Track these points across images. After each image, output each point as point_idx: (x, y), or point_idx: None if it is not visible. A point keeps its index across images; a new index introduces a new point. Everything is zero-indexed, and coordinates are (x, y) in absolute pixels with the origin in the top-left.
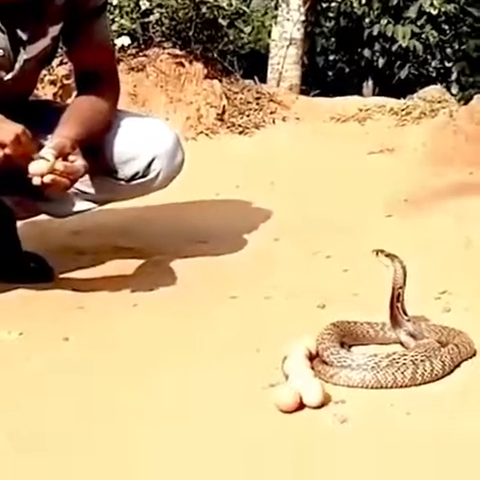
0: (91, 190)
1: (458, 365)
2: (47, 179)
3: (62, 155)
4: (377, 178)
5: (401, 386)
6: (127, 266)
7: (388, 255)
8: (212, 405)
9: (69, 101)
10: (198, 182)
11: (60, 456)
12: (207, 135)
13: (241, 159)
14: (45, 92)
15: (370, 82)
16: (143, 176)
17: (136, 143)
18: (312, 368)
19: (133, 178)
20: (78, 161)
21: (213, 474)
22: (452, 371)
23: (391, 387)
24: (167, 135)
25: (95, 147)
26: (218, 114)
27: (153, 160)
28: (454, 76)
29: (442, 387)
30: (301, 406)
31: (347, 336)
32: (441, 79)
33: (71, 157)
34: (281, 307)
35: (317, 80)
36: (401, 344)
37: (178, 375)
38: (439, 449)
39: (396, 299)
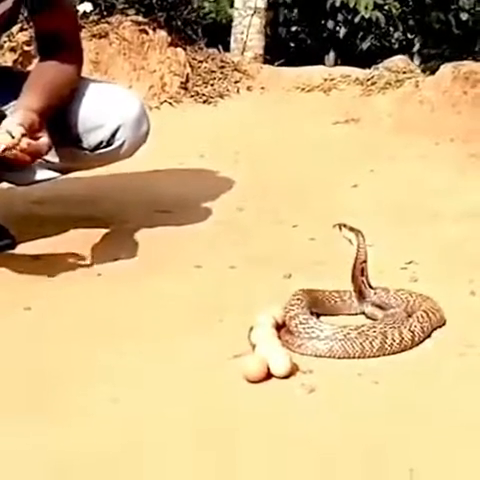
0: (55, 159)
1: (428, 335)
2: (9, 154)
3: (30, 133)
4: (342, 148)
5: (369, 356)
6: (90, 236)
7: (352, 229)
8: (176, 375)
9: (30, 68)
10: (162, 151)
11: (13, 422)
12: (171, 104)
13: (205, 128)
14: (5, 59)
15: (332, 53)
16: (108, 145)
17: (101, 111)
18: (279, 338)
19: (98, 147)
20: (43, 138)
21: (179, 447)
22: (422, 341)
23: (359, 357)
24: (133, 103)
25: (58, 115)
26: (182, 83)
27: (118, 129)
28: (416, 48)
29: (411, 356)
30: (268, 376)
31: (316, 305)
32: (403, 51)
33: (37, 134)
34: (247, 276)
35: (279, 51)
36: (368, 317)
37: (140, 346)
38: (407, 418)
39: (360, 273)
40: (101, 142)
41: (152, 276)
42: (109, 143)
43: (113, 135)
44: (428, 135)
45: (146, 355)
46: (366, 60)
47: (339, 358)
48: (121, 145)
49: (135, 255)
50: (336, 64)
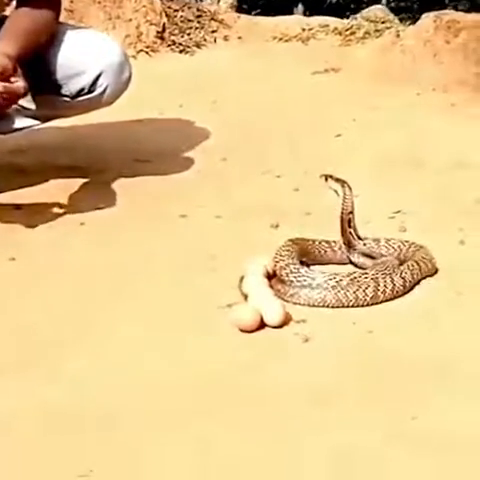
0: (33, 106)
1: (418, 282)
2: None
3: (3, 76)
4: (323, 98)
5: (362, 305)
6: (72, 185)
7: (338, 180)
8: (167, 326)
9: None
10: (140, 101)
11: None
12: (147, 53)
13: (183, 78)
14: None
15: (300, 6)
16: (89, 92)
17: (82, 57)
18: (271, 287)
19: (79, 94)
20: (19, 82)
21: (170, 397)
22: (412, 288)
23: (352, 306)
24: (114, 49)
25: (38, 62)
26: (158, 32)
27: (100, 75)
28: (384, 1)
29: (404, 306)
30: (261, 325)
31: (306, 254)
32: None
33: (12, 78)
34: (233, 226)
35: (252, 2)
36: (358, 267)
37: (127, 299)
38: (400, 367)
39: (347, 224)
40: (82, 89)
41: (136, 226)
42: (90, 90)
43: (94, 81)
44: (410, 85)
45: (134, 307)
46: (334, 14)
47: (333, 307)
48: (103, 92)
49: (118, 204)
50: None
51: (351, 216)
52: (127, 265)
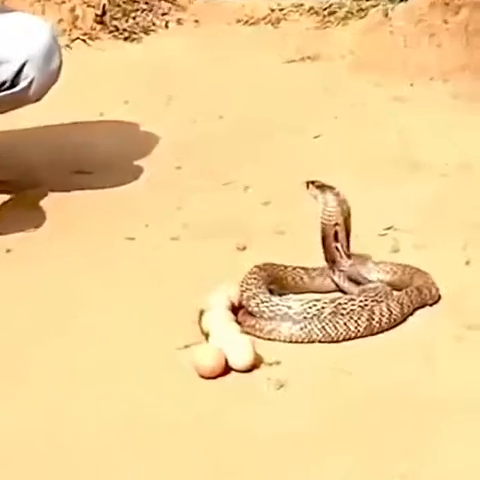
0: None
1: (413, 312)
2: None
3: None
4: (298, 92)
5: (355, 337)
6: None
7: (320, 186)
8: (114, 370)
9: None
10: (77, 100)
11: None
12: (85, 42)
13: (129, 70)
14: None
15: None
16: (12, 86)
17: (1, 44)
18: (238, 322)
19: None
20: None
21: (114, 450)
22: (406, 319)
23: (343, 339)
24: (41, 32)
25: None
26: (97, 16)
27: (24, 65)
28: None
29: (397, 341)
30: (226, 370)
31: (276, 282)
32: None
33: None
34: (192, 250)
35: None
36: (342, 291)
37: (62, 341)
38: (392, 416)
39: (333, 238)
40: (4, 82)
41: (73, 252)
42: (14, 83)
43: (18, 73)
44: (401, 74)
45: (68, 349)
46: None
47: (320, 342)
48: (29, 85)
49: (51, 225)
50: None
51: (338, 228)
52: (62, 300)
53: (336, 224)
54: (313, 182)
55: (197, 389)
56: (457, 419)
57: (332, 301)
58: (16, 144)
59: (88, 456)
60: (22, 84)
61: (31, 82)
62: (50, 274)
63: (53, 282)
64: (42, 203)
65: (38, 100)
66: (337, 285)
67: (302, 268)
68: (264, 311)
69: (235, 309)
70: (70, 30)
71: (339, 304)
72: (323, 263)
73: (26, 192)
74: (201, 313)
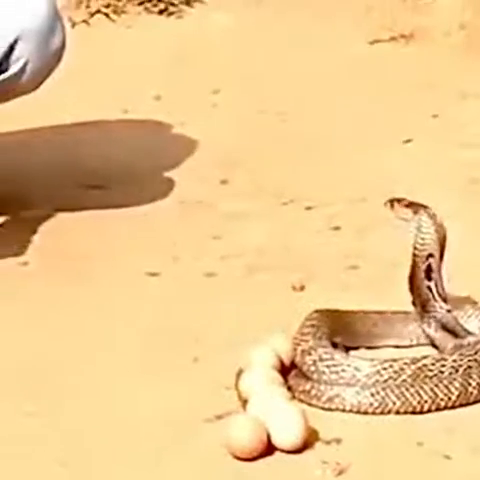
0: None
1: None
2: None
3: None
4: (384, 82)
5: (444, 408)
6: None
7: (410, 205)
8: (132, 448)
9: None
10: (94, 91)
11: None
12: (107, 16)
13: (163, 54)
14: None
15: None
16: (1, 71)
17: None
18: (287, 386)
19: None
20: None
21: None
22: None
23: (428, 410)
24: (37, 1)
25: None
26: None
27: (16, 43)
28: None
29: None
30: (269, 448)
31: (342, 332)
32: None
33: None
34: (231, 289)
35: None
36: (433, 345)
37: (78, 401)
38: None
39: (425, 274)
40: None
41: (80, 291)
42: (2, 68)
43: (8, 54)
44: None
45: (87, 413)
46: None
47: (396, 413)
48: (21, 70)
49: (54, 254)
50: None
51: (432, 261)
52: (67, 348)
53: (430, 255)
54: (399, 200)
55: (230, 473)
56: None
57: (414, 361)
58: (9, 150)
59: None
60: (13, 68)
61: (24, 66)
62: (48, 321)
63: (50, 332)
64: (42, 227)
65: (35, 89)
66: (427, 336)
67: (377, 312)
68: (323, 372)
69: (284, 369)
70: (88, 1)
71: (424, 366)
72: (403, 306)
73: (21, 213)
74: (239, 373)
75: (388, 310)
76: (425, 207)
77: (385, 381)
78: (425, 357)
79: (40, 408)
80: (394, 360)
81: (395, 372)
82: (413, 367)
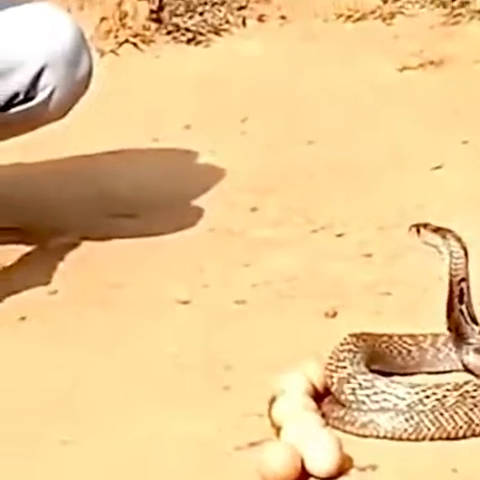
0: None
1: None
2: None
3: None
4: (415, 109)
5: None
6: (10, 256)
7: (437, 230)
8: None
9: None
10: (124, 120)
11: None
12: (135, 45)
13: (192, 83)
14: None
15: None
16: (27, 99)
17: (13, 44)
18: (321, 413)
19: (11, 103)
20: None
21: None
22: None
23: (463, 436)
24: (64, 29)
25: None
26: (153, 12)
27: (42, 71)
28: None
29: None
30: (303, 476)
31: (377, 358)
32: None
33: None
34: (263, 317)
35: None
36: (467, 370)
37: (104, 428)
38: None
39: (458, 298)
40: (16, 94)
41: (109, 318)
42: (29, 95)
43: (35, 82)
44: None
45: (116, 440)
46: None
47: (432, 440)
48: (48, 97)
49: (81, 285)
50: None
51: (464, 285)
52: (96, 376)
53: (463, 280)
54: (425, 225)
55: None
56: None
57: (457, 387)
58: (37, 179)
59: None
60: (40, 96)
61: (51, 93)
62: (78, 349)
63: (80, 360)
64: (70, 256)
65: (62, 117)
66: (464, 365)
67: (411, 336)
68: (364, 402)
69: (318, 395)
70: (117, 31)
71: (466, 392)
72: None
73: (50, 242)
74: (272, 400)
75: (421, 335)
76: (451, 231)
77: (429, 409)
78: (467, 382)
79: (71, 435)
80: (437, 386)
81: (438, 399)
82: (456, 393)
